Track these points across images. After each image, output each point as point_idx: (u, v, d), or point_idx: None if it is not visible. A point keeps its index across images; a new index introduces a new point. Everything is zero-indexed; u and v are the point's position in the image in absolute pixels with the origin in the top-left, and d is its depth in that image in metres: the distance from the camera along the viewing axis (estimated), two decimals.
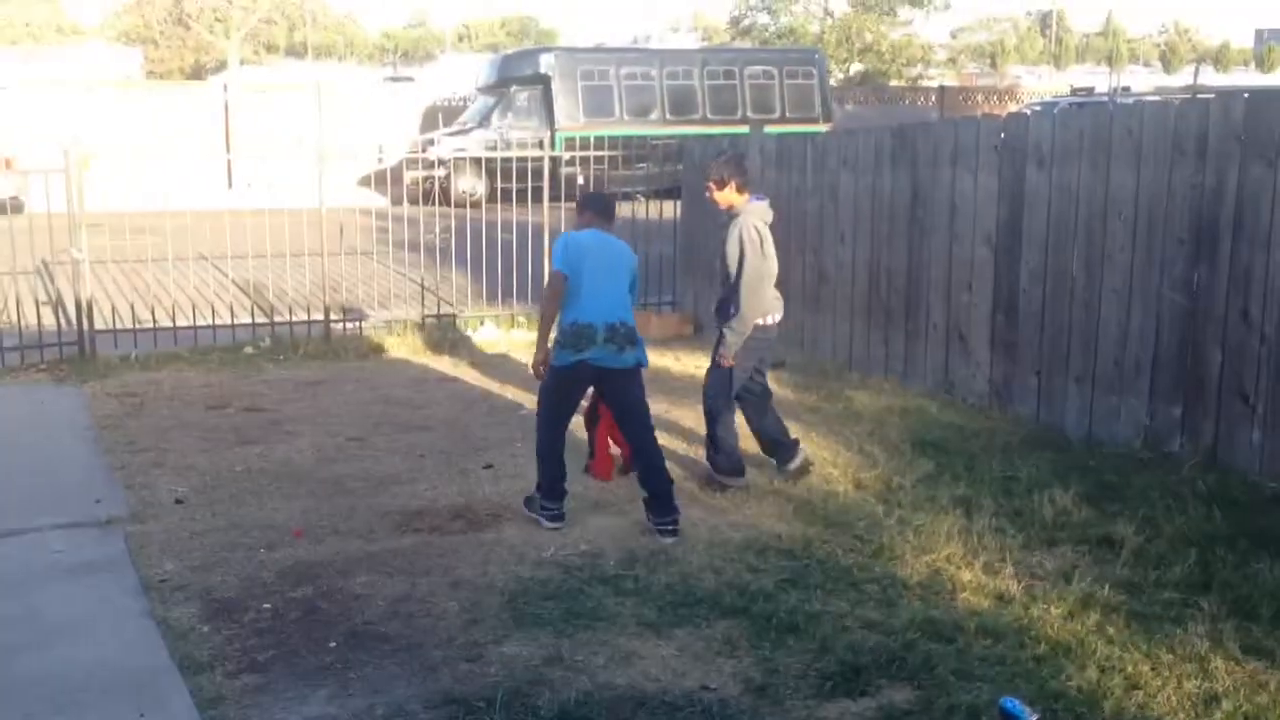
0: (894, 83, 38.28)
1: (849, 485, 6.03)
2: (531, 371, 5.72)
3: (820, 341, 9.11)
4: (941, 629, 4.32)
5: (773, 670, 4.05)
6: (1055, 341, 6.91)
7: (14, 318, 9.44)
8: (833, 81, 28.89)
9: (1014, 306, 7.19)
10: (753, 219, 6.09)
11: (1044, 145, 6.94)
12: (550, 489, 5.56)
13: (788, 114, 23.83)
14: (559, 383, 5.57)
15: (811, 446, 6.72)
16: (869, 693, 3.88)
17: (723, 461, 6.10)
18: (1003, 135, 7.27)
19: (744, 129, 12.32)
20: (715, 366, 6.16)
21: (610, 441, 6.24)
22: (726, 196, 6.14)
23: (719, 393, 6.15)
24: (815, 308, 9.15)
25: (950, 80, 43.85)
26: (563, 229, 10.90)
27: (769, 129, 10.73)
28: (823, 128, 22.15)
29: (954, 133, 7.71)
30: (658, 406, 7.59)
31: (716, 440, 6.12)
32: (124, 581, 4.87)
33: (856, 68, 39.42)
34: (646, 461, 5.57)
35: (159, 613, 4.54)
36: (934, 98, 33.76)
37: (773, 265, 6.21)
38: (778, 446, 6.28)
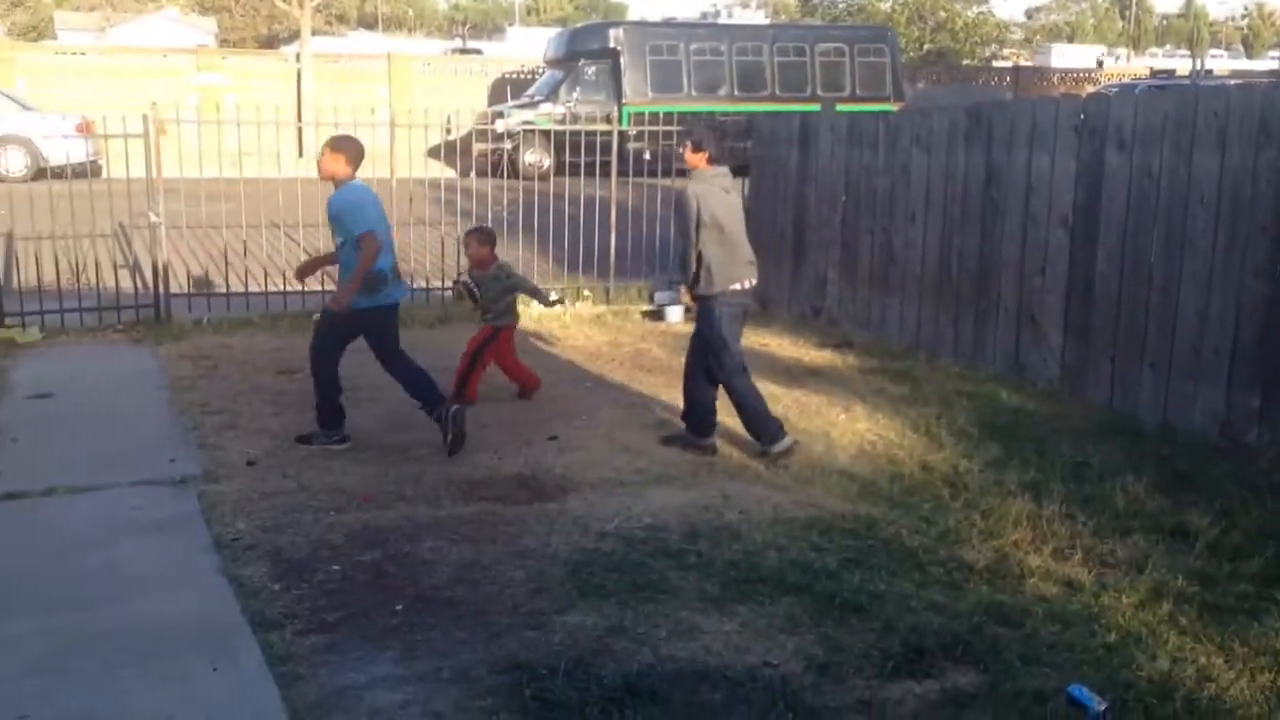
0: (967, 62, 37.67)
1: (915, 467, 5.98)
2: (335, 307, 6.24)
3: (888, 322, 9.03)
4: (1009, 614, 4.28)
5: (835, 649, 4.04)
6: (1131, 327, 6.79)
7: (92, 279, 9.63)
8: (904, 60, 28.48)
9: (1089, 290, 7.06)
10: (697, 185, 6.23)
11: (1125, 127, 6.80)
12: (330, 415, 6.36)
13: (858, 92, 23.55)
14: (352, 322, 6.29)
15: (877, 427, 6.69)
16: (933, 675, 3.85)
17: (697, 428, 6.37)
18: (1082, 116, 7.13)
19: (812, 106, 12.23)
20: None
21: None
22: (695, 160, 6.31)
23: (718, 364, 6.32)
24: (883, 288, 9.06)
25: (1025, 61, 43.08)
26: (630, 203, 10.96)
27: (838, 107, 10.61)
28: (893, 107, 21.86)
29: (1031, 112, 7.57)
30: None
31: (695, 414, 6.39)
32: (198, 539, 4.97)
33: (928, 46, 38.82)
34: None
35: (231, 570, 4.63)
36: (1008, 78, 33.21)
37: (729, 234, 6.25)
38: (706, 419, 6.42)
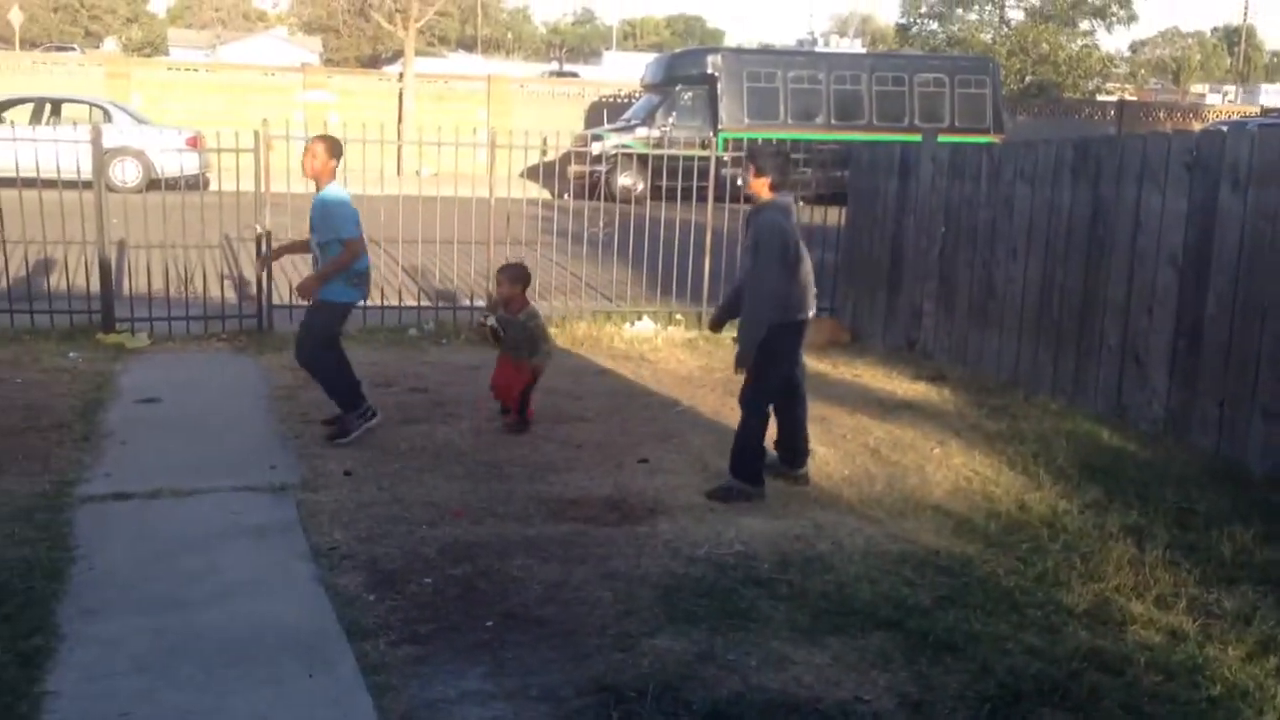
0: (1069, 95, 37.07)
1: (1012, 506, 5.87)
2: (300, 290, 6.67)
3: (985, 356, 8.89)
4: (1109, 661, 4.17)
5: (929, 687, 3.97)
6: (1242, 372, 6.59)
7: (199, 289, 9.90)
8: (1004, 91, 28.13)
9: (1198, 332, 6.88)
10: (777, 215, 5.93)
11: (1240, 165, 6.62)
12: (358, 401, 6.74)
13: (957, 123, 23.32)
14: (342, 315, 6.85)
15: (973, 463, 6.57)
16: (1030, 719, 3.76)
17: (749, 477, 5.97)
18: (1194, 153, 6.96)
19: (910, 136, 12.12)
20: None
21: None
22: (757, 187, 5.98)
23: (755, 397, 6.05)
24: (981, 322, 8.93)
25: (1130, 95, 42.27)
26: (725, 229, 10.95)
27: (938, 138, 10.50)
28: (993, 139, 21.61)
29: (1141, 148, 7.42)
30: (814, 411, 7.54)
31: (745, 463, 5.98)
32: (295, 546, 5.07)
33: (1030, 78, 38.27)
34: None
35: (327, 579, 4.70)
36: (1112, 112, 32.62)
37: (805, 265, 6.05)
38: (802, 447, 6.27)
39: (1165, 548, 5.18)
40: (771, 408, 6.08)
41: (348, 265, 6.56)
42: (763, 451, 6.04)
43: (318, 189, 6.60)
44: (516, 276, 7.05)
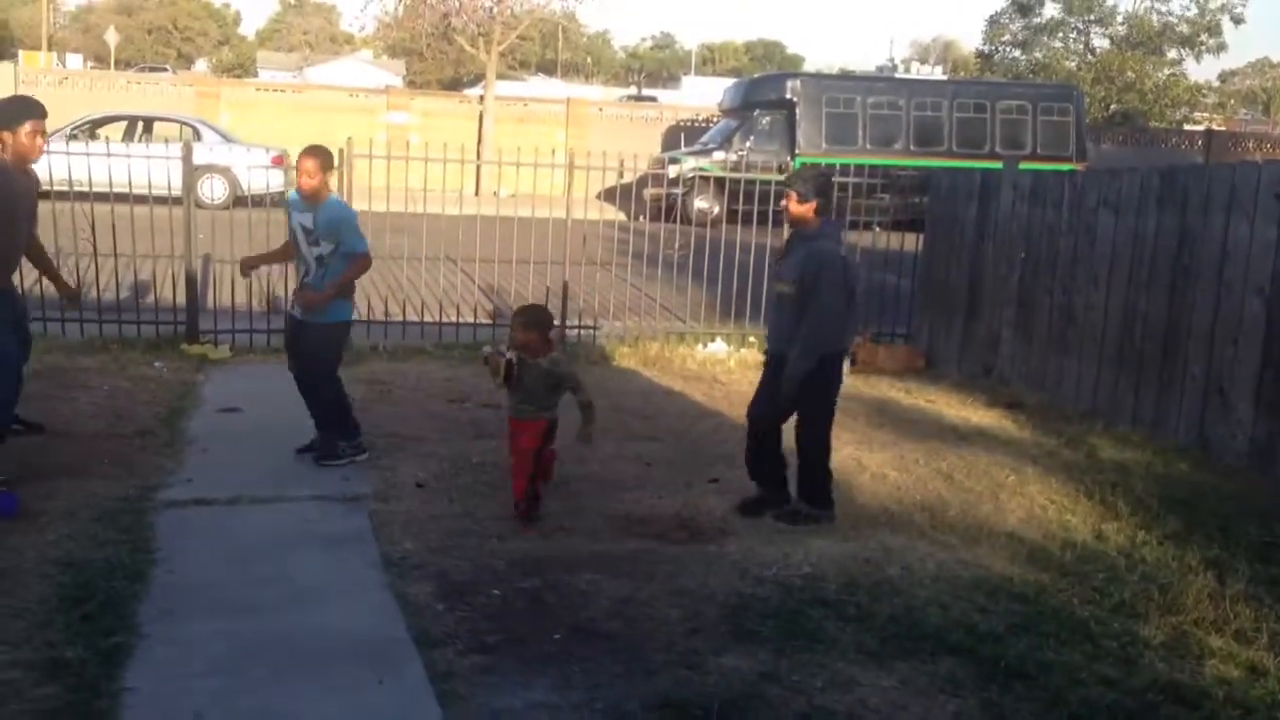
0: (1155, 124, 36.42)
1: (1088, 535, 5.76)
2: (309, 305, 6.56)
3: (1064, 385, 8.75)
4: (1186, 694, 4.07)
5: (999, 715, 3.91)
6: None
7: (280, 304, 10.10)
8: (1088, 120, 27.73)
9: None
10: (833, 244, 5.82)
11: None
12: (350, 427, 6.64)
13: (1039, 150, 23.03)
14: (348, 333, 7.00)
15: (1049, 491, 6.47)
16: None
17: (821, 502, 5.92)
18: None
19: (991, 163, 11.98)
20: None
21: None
22: (804, 212, 5.76)
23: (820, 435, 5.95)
24: (1061, 350, 8.79)
25: (1218, 125, 41.42)
26: None
27: (1019, 166, 10.39)
28: (1075, 166, 21.31)
29: (1230, 177, 7.27)
30: (887, 436, 7.48)
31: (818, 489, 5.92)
32: (367, 555, 5.14)
33: (1114, 107, 37.69)
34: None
35: (398, 587, 4.76)
36: (1199, 142, 31.98)
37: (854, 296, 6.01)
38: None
39: (1247, 582, 5.06)
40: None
41: (355, 279, 6.60)
42: (829, 473, 5.98)
43: (315, 201, 6.40)
44: (532, 322, 5.76)
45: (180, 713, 3.66)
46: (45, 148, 6.18)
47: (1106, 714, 3.89)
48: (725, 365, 9.98)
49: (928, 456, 7.13)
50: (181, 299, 9.65)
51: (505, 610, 4.62)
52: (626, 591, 4.84)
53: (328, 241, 6.40)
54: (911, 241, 11.22)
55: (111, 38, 50.23)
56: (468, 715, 3.75)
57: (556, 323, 10.35)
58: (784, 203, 5.78)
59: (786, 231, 6.03)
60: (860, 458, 7.07)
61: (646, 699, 3.92)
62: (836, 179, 11.03)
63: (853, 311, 5.90)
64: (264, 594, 4.65)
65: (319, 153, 6.44)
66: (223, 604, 4.55)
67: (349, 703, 3.79)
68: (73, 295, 7.00)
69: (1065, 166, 19.78)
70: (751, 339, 10.67)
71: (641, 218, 17.34)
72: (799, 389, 5.67)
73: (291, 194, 6.71)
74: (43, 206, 9.94)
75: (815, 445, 5.90)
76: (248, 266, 6.95)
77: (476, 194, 21.15)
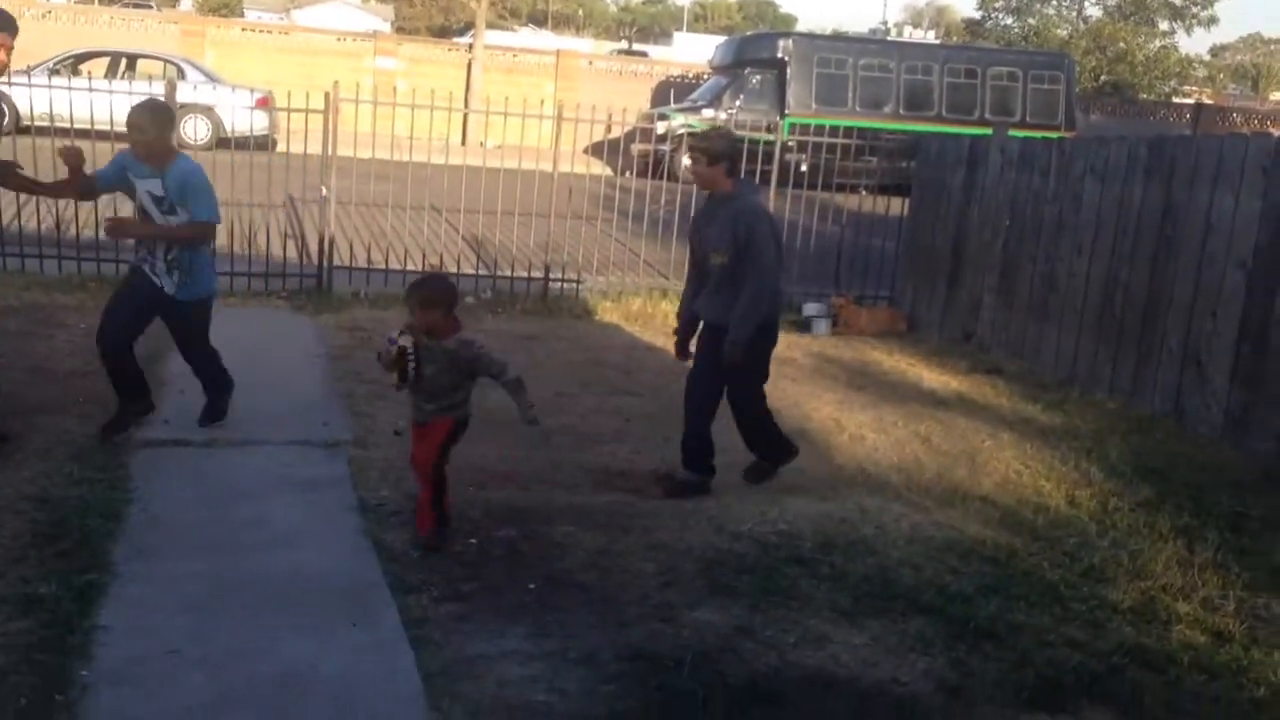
0: (1145, 96, 36.37)
1: (1061, 500, 5.81)
2: (108, 229, 5.87)
3: (1043, 353, 8.79)
4: (1152, 658, 4.13)
5: (967, 674, 3.95)
6: None
7: (261, 247, 10.03)
8: (1078, 89, 27.65)
9: (1264, 337, 6.75)
10: (755, 196, 5.64)
11: None
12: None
13: (1028, 118, 22.97)
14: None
15: (1024, 457, 6.51)
16: (1068, 711, 3.74)
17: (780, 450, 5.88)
18: (1274, 156, 6.82)
19: (980, 129, 11.97)
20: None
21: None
22: (714, 175, 5.42)
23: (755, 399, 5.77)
24: (1041, 317, 8.82)
25: (1207, 99, 41.39)
26: (786, 214, 10.91)
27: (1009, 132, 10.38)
28: (1065, 135, 21.30)
29: (1218, 149, 7.27)
30: (866, 398, 7.50)
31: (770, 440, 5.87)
32: (344, 500, 5.14)
33: (1105, 77, 37.58)
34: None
35: (374, 533, 4.77)
36: (1188, 115, 31.98)
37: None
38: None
39: (1216, 550, 5.12)
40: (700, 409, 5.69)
41: (188, 242, 5.67)
42: (774, 422, 5.89)
43: (160, 163, 5.54)
44: (432, 297, 4.64)
45: (154, 650, 3.66)
46: (8, 65, 5.50)
47: (1073, 675, 3.94)
48: None
49: (906, 419, 7.16)
50: None
51: (481, 559, 4.63)
52: (602, 544, 4.86)
53: (183, 208, 5.57)
54: (897, 206, 11.21)
55: None
56: (441, 660, 3.76)
57: (539, 275, 10.36)
58: (691, 166, 5.47)
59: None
60: (839, 419, 7.10)
61: (620, 650, 3.94)
62: (826, 140, 11.05)
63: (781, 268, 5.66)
64: (240, 535, 4.65)
65: (150, 107, 5.58)
66: (198, 544, 4.54)
67: (323, 644, 3.80)
68: (75, 162, 5.87)
69: (1054, 135, 19.76)
70: None
71: (628, 173, 17.26)
72: (745, 355, 5.43)
73: (121, 154, 5.74)
74: (23, 141, 9.83)
75: (755, 401, 5.74)
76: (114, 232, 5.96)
77: (463, 144, 21.00)
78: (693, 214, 5.83)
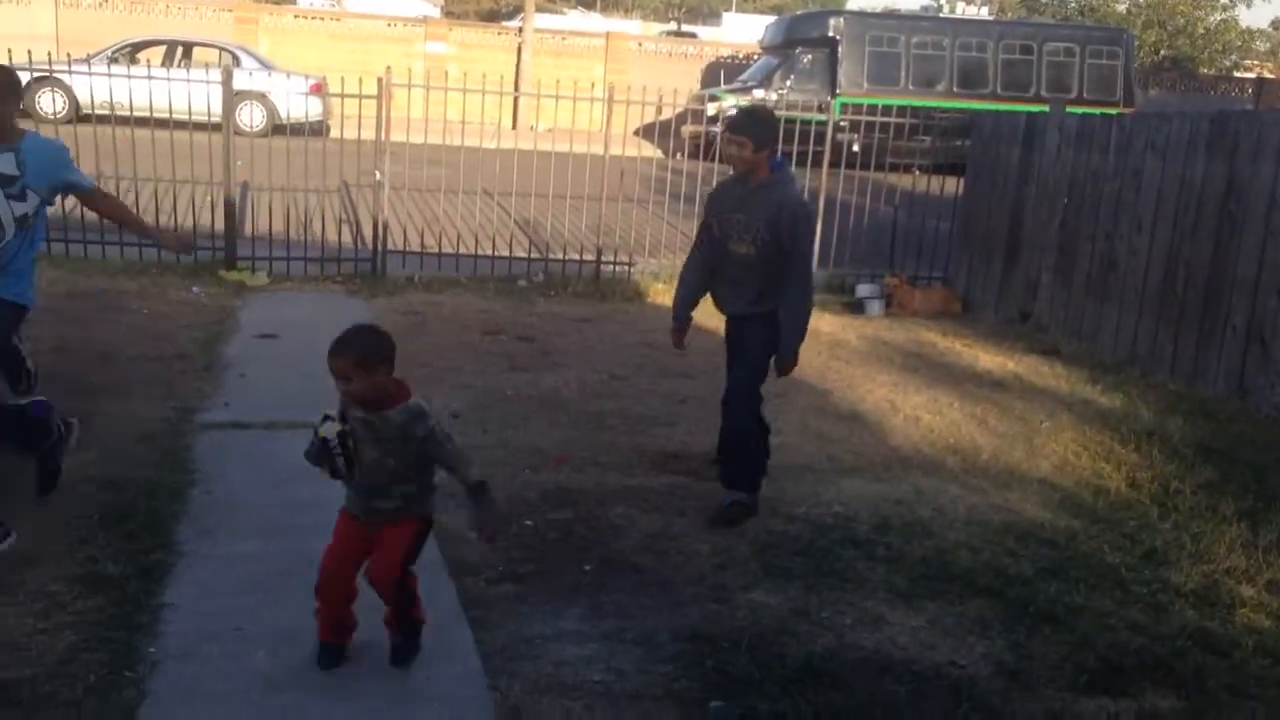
0: (1205, 71, 35.62)
1: (1122, 482, 5.74)
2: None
3: (1102, 333, 8.66)
4: (1215, 642, 4.07)
5: (1026, 656, 3.92)
6: None
7: (316, 232, 10.14)
8: (1136, 64, 27.14)
9: None
10: (796, 187, 5.08)
11: None
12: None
13: (1085, 94, 22.58)
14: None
15: (1083, 438, 6.44)
16: (1130, 694, 3.70)
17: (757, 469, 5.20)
18: None
19: (1036, 107, 11.80)
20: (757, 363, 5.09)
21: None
22: (759, 160, 4.89)
23: (754, 391, 5.12)
24: (1100, 296, 8.70)
25: (1269, 73, 40.46)
26: (840, 195, 10.84)
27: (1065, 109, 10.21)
28: (1123, 112, 20.93)
29: None
30: (921, 379, 7.45)
31: (758, 461, 5.21)
32: None
33: (1164, 52, 36.85)
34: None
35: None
36: (1249, 90, 31.30)
37: None
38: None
39: None
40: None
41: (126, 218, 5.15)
42: (764, 430, 5.31)
43: (6, 140, 4.50)
44: (366, 357, 3.63)
45: (219, 628, 3.73)
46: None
47: (1135, 659, 3.90)
48: None
49: (962, 401, 7.10)
50: (220, 225, 9.69)
51: (537, 541, 4.67)
52: (658, 526, 4.87)
53: (36, 193, 4.54)
54: (951, 185, 11.09)
55: None
56: (499, 640, 3.80)
57: (590, 258, 10.36)
58: (731, 150, 4.89)
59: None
60: (894, 400, 7.05)
61: (676, 631, 3.96)
62: (878, 119, 10.94)
63: None
64: (300, 517, 4.70)
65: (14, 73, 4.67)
66: (260, 525, 4.61)
67: (383, 623, 3.84)
68: (182, 247, 5.48)
69: (1113, 111, 19.43)
70: None
71: (679, 155, 17.21)
72: (796, 357, 5.08)
73: None
74: (83, 130, 9.98)
75: (752, 407, 5.13)
76: None
77: (514, 127, 21.06)
78: (716, 187, 5.25)
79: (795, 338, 5.02)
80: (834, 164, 10.92)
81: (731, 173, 5.11)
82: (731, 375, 5.16)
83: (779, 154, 5.14)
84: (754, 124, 4.91)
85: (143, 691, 3.32)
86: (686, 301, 5.37)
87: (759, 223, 4.87)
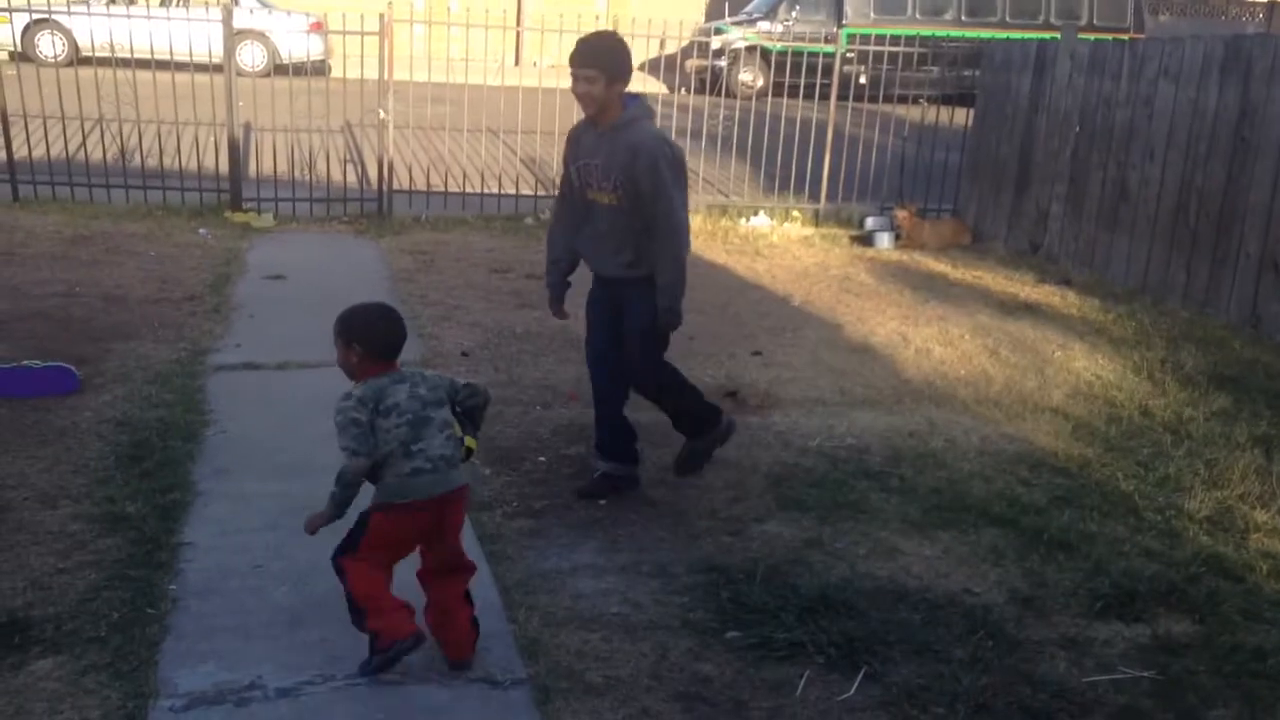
0: None
1: (1135, 411, 5.73)
2: None
3: (1113, 262, 8.61)
4: (1229, 567, 4.09)
5: (1040, 584, 3.94)
6: None
7: (320, 172, 10.08)
8: None
9: None
10: (651, 122, 4.35)
11: None
12: None
13: (1095, 21, 22.22)
14: None
15: (1095, 367, 6.42)
16: (1144, 619, 3.72)
17: (709, 421, 4.71)
18: None
19: (1046, 34, 11.62)
20: (646, 336, 4.48)
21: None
22: (611, 97, 4.20)
23: (655, 365, 4.57)
24: (1111, 225, 8.63)
25: None
26: (847, 128, 10.72)
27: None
28: (1134, 37, 20.61)
29: None
30: (931, 311, 7.43)
31: (687, 409, 4.69)
32: None
33: None
34: None
35: None
36: (1260, 14, 30.82)
37: None
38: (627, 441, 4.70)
39: None
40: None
41: None
42: (688, 384, 4.72)
43: None
44: (336, 332, 3.57)
45: (238, 565, 3.76)
46: None
47: (1149, 584, 3.91)
48: (768, 239, 9.90)
49: (973, 332, 7.08)
50: (224, 166, 9.63)
51: (551, 476, 4.68)
52: (670, 460, 4.87)
53: None
54: (960, 116, 10.97)
55: None
56: (516, 574, 3.82)
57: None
58: (579, 87, 4.18)
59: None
60: (905, 333, 7.03)
61: (691, 563, 3.98)
62: (886, 50, 10.80)
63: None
64: (314, 455, 4.70)
65: None
66: (275, 464, 4.63)
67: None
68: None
69: (1123, 37, 19.13)
70: (795, 213, 10.56)
71: (684, 90, 17.05)
72: (678, 316, 4.43)
73: None
74: (84, 73, 9.90)
75: (659, 364, 4.60)
76: None
77: (516, 64, 20.82)
78: (571, 130, 4.50)
79: (672, 294, 4.31)
80: (842, 97, 10.80)
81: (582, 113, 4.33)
82: (624, 355, 4.48)
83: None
84: (603, 54, 4.17)
85: (165, 628, 3.36)
86: (559, 266, 4.65)
87: (617, 170, 4.19)
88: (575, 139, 4.43)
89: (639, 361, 4.49)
